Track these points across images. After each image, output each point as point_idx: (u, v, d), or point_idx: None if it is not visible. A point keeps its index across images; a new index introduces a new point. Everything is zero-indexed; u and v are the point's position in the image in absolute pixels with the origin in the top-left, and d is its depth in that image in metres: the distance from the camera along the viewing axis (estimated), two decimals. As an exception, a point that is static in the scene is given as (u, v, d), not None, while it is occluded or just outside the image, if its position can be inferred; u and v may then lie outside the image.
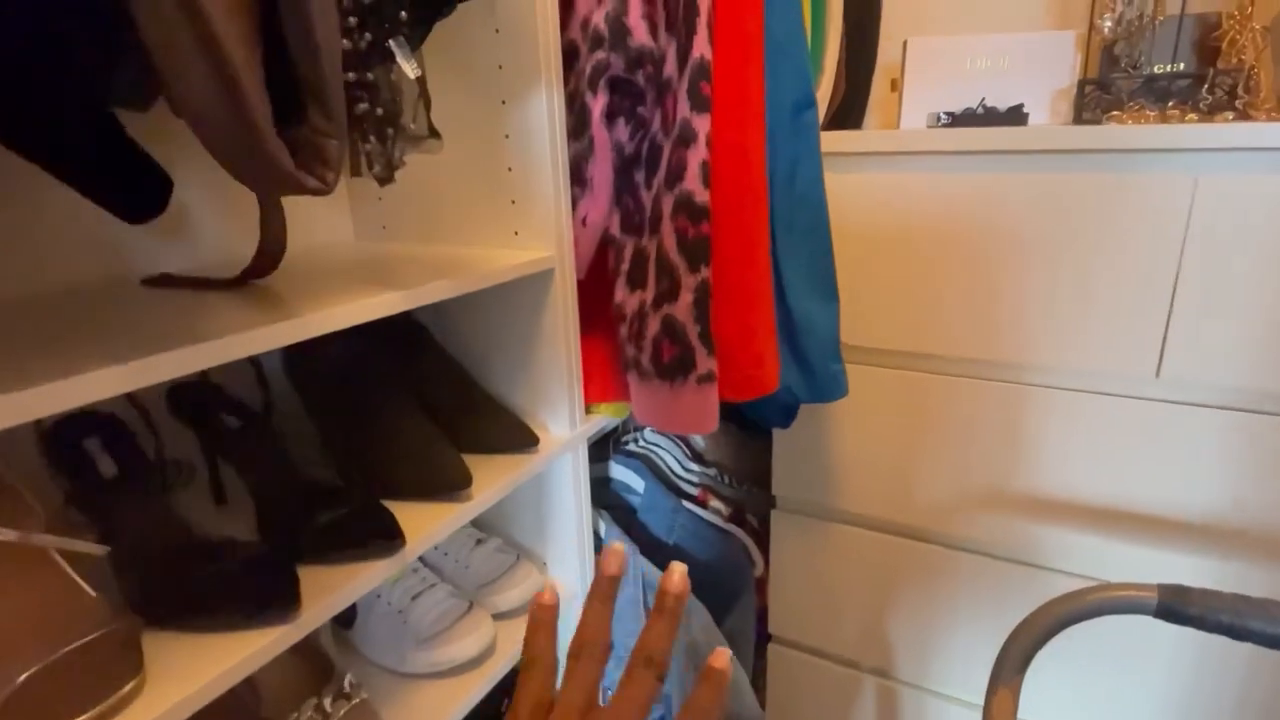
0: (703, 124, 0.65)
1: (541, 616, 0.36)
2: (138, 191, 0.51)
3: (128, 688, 0.44)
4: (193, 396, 0.65)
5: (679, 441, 1.15)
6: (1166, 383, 0.77)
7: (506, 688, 0.89)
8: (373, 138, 0.52)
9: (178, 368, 0.42)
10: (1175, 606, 0.55)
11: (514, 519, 0.89)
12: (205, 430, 0.65)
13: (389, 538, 0.58)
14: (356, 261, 0.71)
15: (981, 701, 0.98)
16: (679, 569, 0.35)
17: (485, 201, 0.75)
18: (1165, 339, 0.75)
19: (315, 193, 0.35)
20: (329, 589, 0.55)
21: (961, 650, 0.97)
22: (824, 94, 1.03)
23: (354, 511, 0.59)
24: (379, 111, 0.50)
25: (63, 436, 0.58)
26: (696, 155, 0.65)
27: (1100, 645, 0.88)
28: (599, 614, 0.35)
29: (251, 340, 0.47)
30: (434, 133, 0.52)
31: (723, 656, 0.34)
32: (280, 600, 0.51)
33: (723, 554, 1.05)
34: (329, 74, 0.37)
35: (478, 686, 0.72)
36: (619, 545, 0.36)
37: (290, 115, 0.37)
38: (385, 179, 0.55)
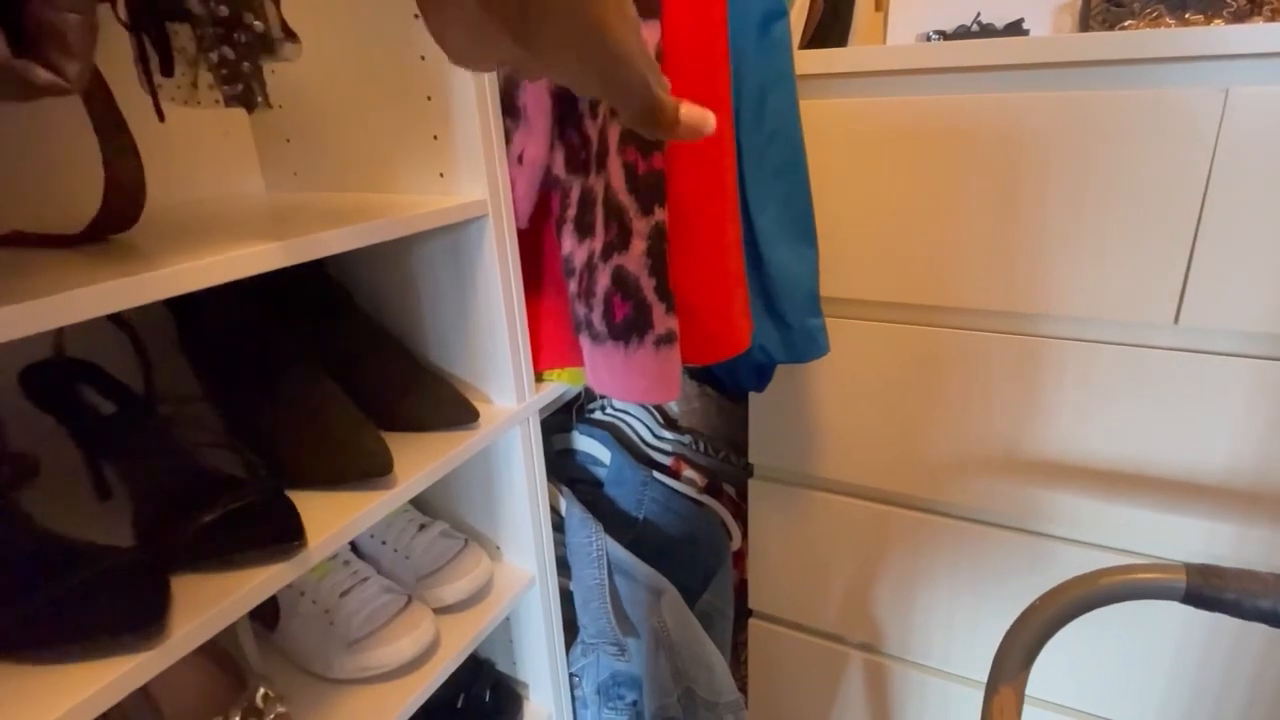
0: (651, 32, 0.54)
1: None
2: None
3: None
4: (51, 377, 0.55)
5: (650, 407, 1.06)
6: (1186, 330, 0.69)
7: (459, 686, 0.82)
8: (224, 47, 0.41)
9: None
10: (1207, 591, 0.47)
11: (461, 500, 0.80)
12: (71, 416, 0.55)
13: (285, 538, 0.49)
14: (251, 212, 0.61)
15: (976, 676, 0.92)
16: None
17: (403, 138, 0.64)
18: (1186, 280, 0.67)
19: (53, 91, 0.25)
20: (211, 601, 0.46)
21: (955, 623, 0.91)
22: (797, 16, 0.92)
23: (245, 506, 0.50)
24: (222, 10, 0.39)
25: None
26: (643, 72, 0.55)
27: (1099, 616, 0.81)
28: None
29: (68, 304, 0.37)
30: (289, 34, 0.41)
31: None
32: (140, 620, 0.42)
33: (698, 527, 0.97)
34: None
35: (417, 692, 0.64)
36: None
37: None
38: (251, 101, 0.44)
